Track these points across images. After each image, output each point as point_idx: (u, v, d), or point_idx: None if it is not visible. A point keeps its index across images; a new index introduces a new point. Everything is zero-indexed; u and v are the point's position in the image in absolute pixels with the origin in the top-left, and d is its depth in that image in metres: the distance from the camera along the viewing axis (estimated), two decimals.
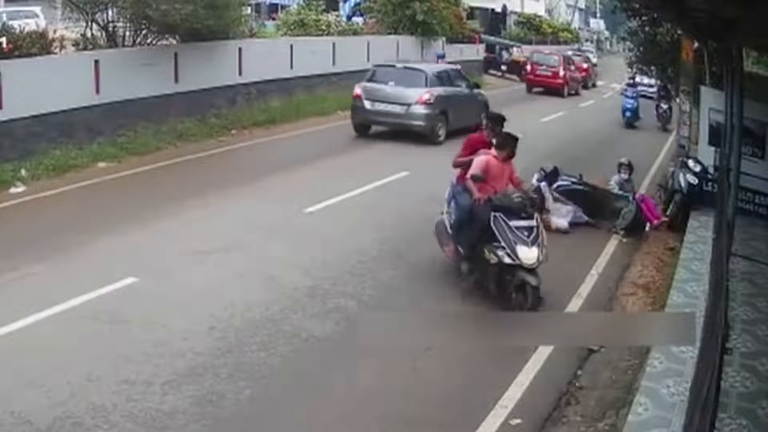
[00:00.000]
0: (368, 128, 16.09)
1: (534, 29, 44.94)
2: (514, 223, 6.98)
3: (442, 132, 15.64)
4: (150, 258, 7.91)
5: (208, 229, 8.99)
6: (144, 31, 14.60)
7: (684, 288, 7.31)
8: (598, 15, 73.94)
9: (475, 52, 31.43)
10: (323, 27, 21.68)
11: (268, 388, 5.57)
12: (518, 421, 5.36)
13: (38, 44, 12.18)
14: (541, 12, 53.06)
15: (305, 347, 6.26)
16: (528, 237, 6.93)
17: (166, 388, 5.41)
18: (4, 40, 11.49)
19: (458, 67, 19.44)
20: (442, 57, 24.92)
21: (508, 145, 7.42)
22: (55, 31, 13.09)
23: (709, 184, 10.33)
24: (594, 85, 34.62)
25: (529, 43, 39.67)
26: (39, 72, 11.74)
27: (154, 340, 6.07)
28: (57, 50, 12.73)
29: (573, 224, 10.16)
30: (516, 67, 32.57)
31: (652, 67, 17.71)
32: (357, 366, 5.93)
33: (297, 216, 9.72)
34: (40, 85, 11.59)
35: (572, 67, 30.70)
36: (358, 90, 15.86)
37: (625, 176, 11.16)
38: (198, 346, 6.05)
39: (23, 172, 10.97)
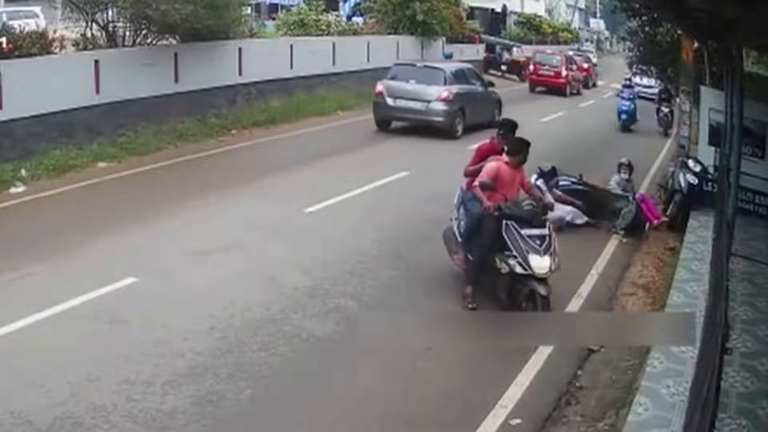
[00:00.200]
0: (389, 124, 16.89)
1: (534, 29, 44.96)
2: (525, 231, 6.79)
3: (460, 127, 16.47)
4: (150, 258, 7.91)
5: (208, 229, 8.99)
6: (144, 31, 14.60)
7: (684, 288, 7.31)
8: (598, 15, 73.95)
9: (475, 52, 31.45)
10: (323, 27, 21.69)
11: (268, 388, 5.57)
12: (518, 421, 5.37)
13: (38, 44, 12.17)
14: (541, 12, 53.07)
15: (305, 347, 6.26)
16: (540, 246, 6.74)
17: (166, 388, 5.41)
18: (4, 40, 11.48)
19: (472, 66, 20.14)
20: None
21: (521, 150, 7.13)
22: (55, 31, 13.09)
23: (709, 184, 10.33)
24: (594, 85, 34.75)
25: (529, 43, 39.70)
26: (39, 72, 11.74)
27: (154, 340, 6.07)
28: (57, 50, 12.73)
29: (571, 225, 10.14)
30: (516, 67, 32.62)
31: (652, 68, 17.67)
32: (357, 366, 5.94)
33: (297, 216, 9.72)
34: (40, 85, 11.59)
35: (574, 67, 31.02)
36: (380, 87, 16.61)
37: (625, 176, 11.17)
38: (198, 346, 6.05)
39: (23, 172, 10.97)
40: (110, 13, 14.39)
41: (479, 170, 7.27)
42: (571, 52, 34.55)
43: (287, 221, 9.48)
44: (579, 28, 63.01)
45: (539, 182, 10.20)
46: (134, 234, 8.63)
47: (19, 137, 11.44)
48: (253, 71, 17.08)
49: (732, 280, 7.15)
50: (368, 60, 22.41)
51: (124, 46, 14.50)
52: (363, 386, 5.71)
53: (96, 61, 12.99)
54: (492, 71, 32.53)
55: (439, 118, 16.22)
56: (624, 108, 20.58)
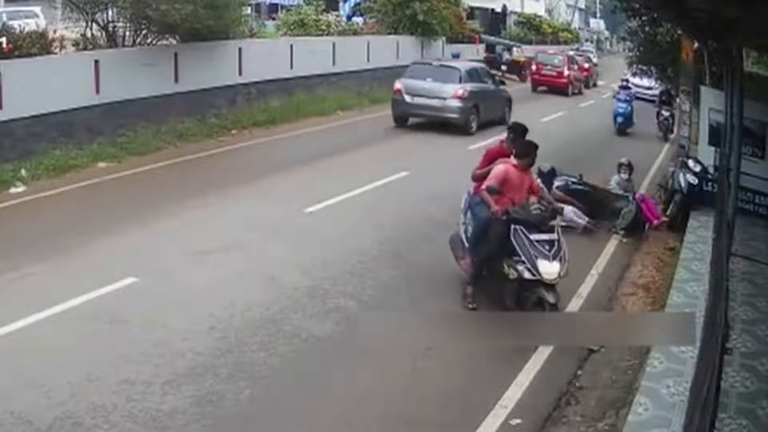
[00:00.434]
0: (406, 120, 17.55)
1: (534, 29, 44.96)
2: (534, 236, 6.66)
3: (474, 123, 17.20)
4: (150, 258, 7.91)
5: (208, 229, 8.99)
6: (144, 31, 14.60)
7: (684, 288, 7.31)
8: (598, 15, 73.94)
9: (475, 52, 31.45)
10: (323, 27, 21.68)
11: (268, 388, 5.57)
12: (518, 421, 5.37)
13: (38, 44, 12.17)
14: (541, 12, 53.06)
15: (305, 347, 6.26)
16: (549, 251, 6.61)
17: (166, 388, 5.41)
18: (4, 40, 11.48)
19: (485, 65, 20.86)
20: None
21: (529, 153, 7.04)
22: (55, 31, 13.09)
23: (709, 184, 10.33)
24: (595, 85, 34.84)
25: (529, 43, 39.71)
26: (39, 72, 11.74)
27: (154, 340, 6.07)
28: (57, 50, 12.72)
29: (568, 228, 10.09)
30: (516, 67, 32.65)
31: (652, 68, 17.64)
32: (357, 366, 5.94)
33: (297, 216, 9.72)
34: (40, 85, 11.59)
35: (576, 67, 31.26)
36: (398, 85, 17.33)
37: (625, 176, 11.17)
38: (198, 346, 6.05)
39: (23, 172, 10.96)
40: (110, 13, 14.38)
41: (487, 173, 7.16)
42: (571, 52, 34.61)
43: (287, 221, 9.48)
44: (579, 28, 63.01)
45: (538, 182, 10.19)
46: (134, 234, 8.63)
47: (19, 137, 11.44)
48: (253, 71, 17.08)
49: (732, 280, 7.15)
50: (368, 60, 22.42)
51: (124, 46, 14.50)
52: (363, 386, 5.71)
53: (96, 61, 12.99)
54: (492, 71, 32.51)
55: (455, 115, 16.87)
56: (620, 110, 19.64)
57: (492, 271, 7.01)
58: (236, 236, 8.70)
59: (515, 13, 47.65)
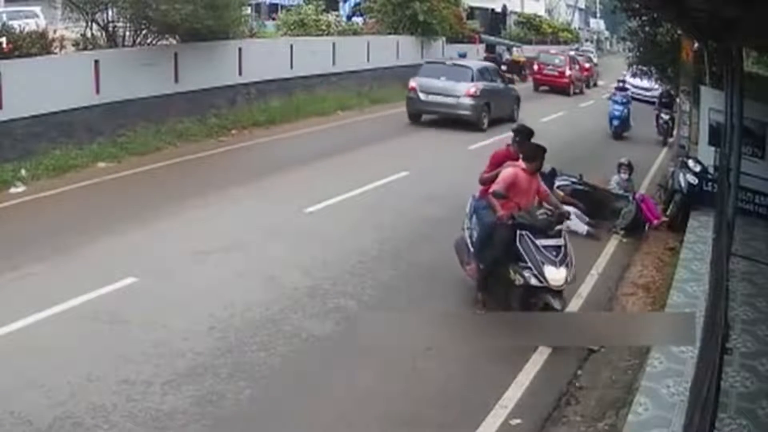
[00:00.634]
0: (420, 117, 18.20)
1: (534, 29, 44.94)
2: (541, 242, 6.57)
3: (485, 120, 17.88)
4: (150, 258, 7.91)
5: (208, 229, 8.99)
6: (144, 31, 14.59)
7: (684, 288, 7.31)
8: (598, 15, 73.90)
9: (475, 52, 31.43)
10: (323, 27, 21.67)
11: (268, 388, 5.57)
12: (518, 421, 5.37)
13: (38, 44, 12.17)
14: (541, 12, 53.03)
15: (305, 347, 6.26)
16: (556, 257, 6.52)
17: (166, 388, 5.41)
18: (4, 40, 11.47)
19: (494, 65, 21.52)
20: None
21: (537, 156, 6.94)
22: (55, 31, 13.08)
23: (709, 184, 10.33)
24: (595, 84, 34.94)
25: (529, 43, 39.70)
26: (39, 72, 11.74)
27: (154, 340, 6.07)
28: (57, 50, 12.72)
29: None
30: (516, 67, 32.66)
31: (652, 68, 17.62)
32: (357, 366, 5.94)
33: (297, 216, 9.72)
34: (40, 85, 11.59)
35: (577, 67, 31.48)
36: (413, 83, 18.04)
37: (625, 176, 11.17)
38: (198, 346, 6.05)
39: (23, 172, 10.96)
40: (110, 13, 14.37)
41: (495, 177, 7.07)
42: (572, 52, 34.69)
43: (287, 221, 9.48)
44: (579, 28, 62.97)
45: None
46: (134, 234, 8.63)
47: (19, 137, 11.44)
48: (253, 71, 17.07)
49: (732, 280, 7.15)
50: (368, 60, 22.41)
51: (124, 46, 14.49)
52: (363, 386, 5.71)
53: (96, 61, 12.99)
54: None
55: (468, 112, 17.56)
56: (616, 113, 18.74)
57: (498, 276, 6.90)
58: (236, 236, 8.70)
59: (515, 13, 47.63)
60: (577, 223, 9.76)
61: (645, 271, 8.82)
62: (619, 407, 5.43)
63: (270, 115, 16.88)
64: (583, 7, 69.61)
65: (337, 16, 25.28)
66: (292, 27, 21.44)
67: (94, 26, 14.22)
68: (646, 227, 10.37)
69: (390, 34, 24.81)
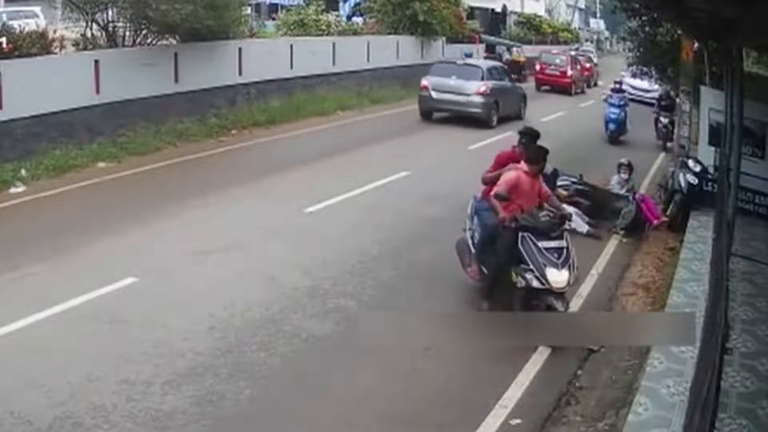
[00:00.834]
0: (431, 115, 18.74)
1: (534, 29, 44.89)
2: (543, 244, 6.53)
3: (495, 118, 18.50)
4: (150, 258, 7.91)
5: (208, 229, 8.99)
6: (144, 31, 14.59)
7: (684, 288, 7.31)
8: (598, 15, 73.88)
9: (475, 53, 31.42)
10: (323, 27, 21.65)
11: (268, 388, 5.57)
12: (518, 421, 5.37)
13: (38, 44, 12.16)
14: (541, 12, 52.99)
15: (305, 347, 6.26)
16: (558, 259, 6.49)
17: (166, 388, 5.41)
18: (4, 40, 11.47)
19: (502, 64, 22.45)
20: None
21: (540, 159, 6.92)
22: (55, 31, 13.07)
23: (709, 184, 10.34)
24: (596, 84, 34.98)
25: (529, 43, 39.68)
26: (39, 72, 11.73)
27: (154, 340, 6.07)
28: (57, 50, 12.71)
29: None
30: (516, 67, 32.61)
31: (652, 68, 17.60)
32: (357, 366, 5.94)
33: (297, 216, 9.72)
34: (40, 85, 11.58)
35: (578, 67, 31.68)
36: (425, 82, 18.61)
37: (625, 176, 11.17)
38: (198, 346, 6.05)
39: (23, 172, 10.96)
40: (110, 13, 14.36)
41: (497, 177, 7.06)
42: (573, 52, 34.77)
43: (287, 221, 9.48)
44: (579, 28, 62.93)
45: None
46: (134, 234, 8.63)
47: (19, 137, 11.43)
48: (253, 71, 17.07)
49: (732, 280, 7.15)
50: (368, 60, 22.41)
51: (124, 46, 14.49)
52: (363, 386, 5.71)
53: (96, 61, 12.98)
54: None
55: (478, 110, 18.19)
56: (612, 116, 17.99)
57: (500, 279, 6.89)
58: (236, 236, 8.70)
59: (515, 13, 47.59)
60: (578, 222, 9.76)
61: (645, 271, 8.82)
62: (619, 407, 5.43)
63: (270, 115, 16.87)
64: (583, 7, 69.58)
65: (337, 16, 25.26)
66: (292, 27, 21.43)
67: (94, 26, 14.21)
68: (646, 227, 10.37)
69: (390, 34, 24.80)
